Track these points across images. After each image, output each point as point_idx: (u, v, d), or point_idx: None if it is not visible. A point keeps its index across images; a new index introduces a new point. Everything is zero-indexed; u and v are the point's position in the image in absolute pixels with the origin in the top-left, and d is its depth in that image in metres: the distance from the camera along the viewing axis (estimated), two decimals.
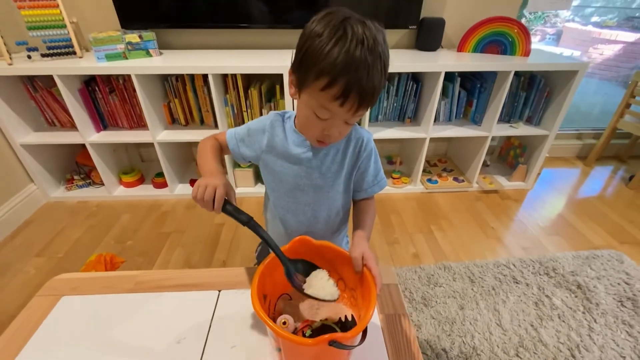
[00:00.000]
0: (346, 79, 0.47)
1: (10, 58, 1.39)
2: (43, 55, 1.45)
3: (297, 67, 0.54)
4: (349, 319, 0.55)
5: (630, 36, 3.78)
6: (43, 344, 0.56)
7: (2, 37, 1.37)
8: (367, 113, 1.64)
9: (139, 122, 1.69)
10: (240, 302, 0.62)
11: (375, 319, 0.60)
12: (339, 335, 0.39)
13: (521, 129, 1.77)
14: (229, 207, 0.51)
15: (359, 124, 1.62)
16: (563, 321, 1.15)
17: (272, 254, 0.52)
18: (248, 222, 0.50)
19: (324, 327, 0.52)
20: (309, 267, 0.54)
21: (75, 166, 1.84)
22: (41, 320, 0.59)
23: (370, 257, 0.52)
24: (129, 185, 1.82)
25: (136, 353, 0.55)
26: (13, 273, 1.33)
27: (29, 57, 1.44)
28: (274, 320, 0.51)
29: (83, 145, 1.61)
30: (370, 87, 0.49)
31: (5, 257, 1.40)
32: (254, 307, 0.42)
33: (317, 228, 0.73)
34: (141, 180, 1.86)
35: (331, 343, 0.38)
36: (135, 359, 0.54)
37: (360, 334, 0.44)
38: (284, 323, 0.50)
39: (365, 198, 0.73)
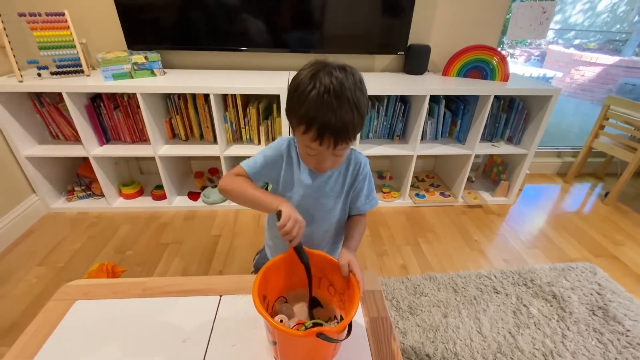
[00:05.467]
0: (318, 123, 0.57)
1: (21, 75, 1.47)
2: (52, 74, 1.53)
3: (287, 112, 0.65)
4: (338, 319, 0.63)
5: (609, 59, 4.01)
6: (60, 344, 0.62)
7: (14, 55, 1.45)
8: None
9: (140, 137, 1.77)
10: (240, 305, 0.69)
11: (361, 321, 0.67)
12: (326, 329, 0.47)
13: (502, 148, 1.89)
14: (299, 248, 0.61)
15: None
16: (539, 329, 1.23)
17: (272, 260, 0.60)
18: (306, 263, 0.61)
19: (315, 326, 0.60)
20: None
21: (76, 178, 1.89)
22: (57, 323, 0.65)
23: (355, 264, 0.60)
24: (128, 197, 1.88)
25: (145, 351, 0.61)
26: (15, 281, 1.37)
27: (39, 74, 1.51)
28: None
29: (84, 158, 1.67)
30: (341, 126, 0.58)
31: (7, 266, 1.44)
32: (254, 302, 0.49)
33: (317, 239, 0.82)
34: (140, 192, 1.92)
35: (319, 335, 0.46)
36: (144, 357, 0.60)
37: (346, 330, 0.52)
38: (281, 321, 0.57)
39: (358, 214, 0.82)
